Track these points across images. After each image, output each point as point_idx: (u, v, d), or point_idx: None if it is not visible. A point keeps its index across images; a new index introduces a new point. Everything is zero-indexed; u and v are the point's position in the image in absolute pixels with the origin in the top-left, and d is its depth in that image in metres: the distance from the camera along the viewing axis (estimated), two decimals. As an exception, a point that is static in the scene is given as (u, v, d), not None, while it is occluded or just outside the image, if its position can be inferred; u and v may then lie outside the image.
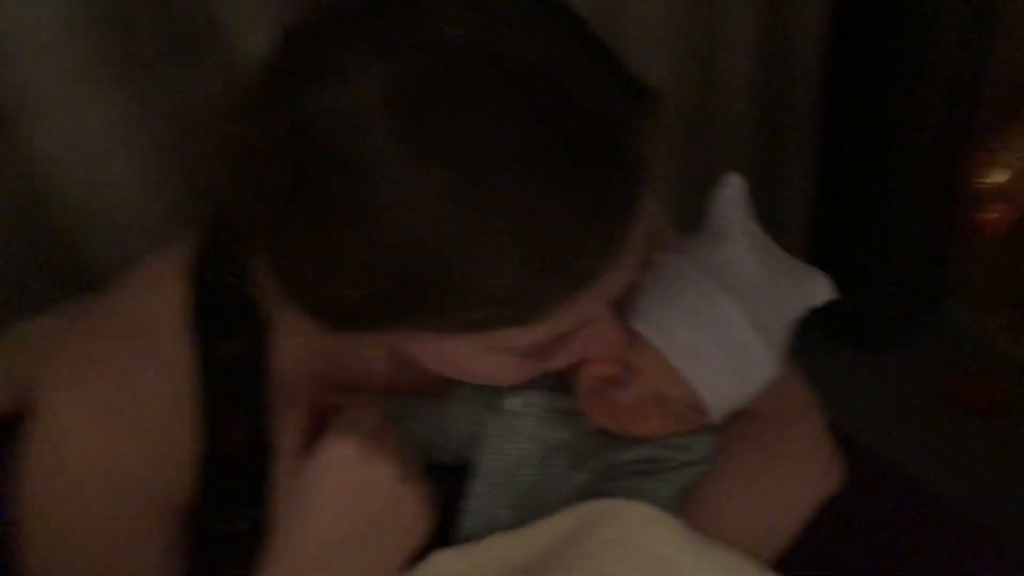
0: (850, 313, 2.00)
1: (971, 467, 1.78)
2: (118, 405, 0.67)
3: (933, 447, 1.83)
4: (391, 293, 0.51)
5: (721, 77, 1.65)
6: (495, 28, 0.47)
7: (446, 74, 0.46)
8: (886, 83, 1.72)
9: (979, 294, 1.94)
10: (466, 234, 0.47)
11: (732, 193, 0.69)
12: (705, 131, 1.68)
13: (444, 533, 0.70)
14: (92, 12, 0.94)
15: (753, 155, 1.80)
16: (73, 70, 0.95)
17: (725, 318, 0.65)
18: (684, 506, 0.69)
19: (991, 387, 1.84)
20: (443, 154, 0.46)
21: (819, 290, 0.70)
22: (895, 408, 1.94)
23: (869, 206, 1.88)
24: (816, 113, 1.81)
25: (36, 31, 0.91)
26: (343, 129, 0.47)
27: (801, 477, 0.74)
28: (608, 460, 0.69)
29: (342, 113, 0.47)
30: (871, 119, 1.79)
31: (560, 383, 0.74)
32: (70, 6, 0.93)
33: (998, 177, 1.45)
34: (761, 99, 1.72)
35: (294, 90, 0.48)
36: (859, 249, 1.95)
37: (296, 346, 0.68)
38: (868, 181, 1.86)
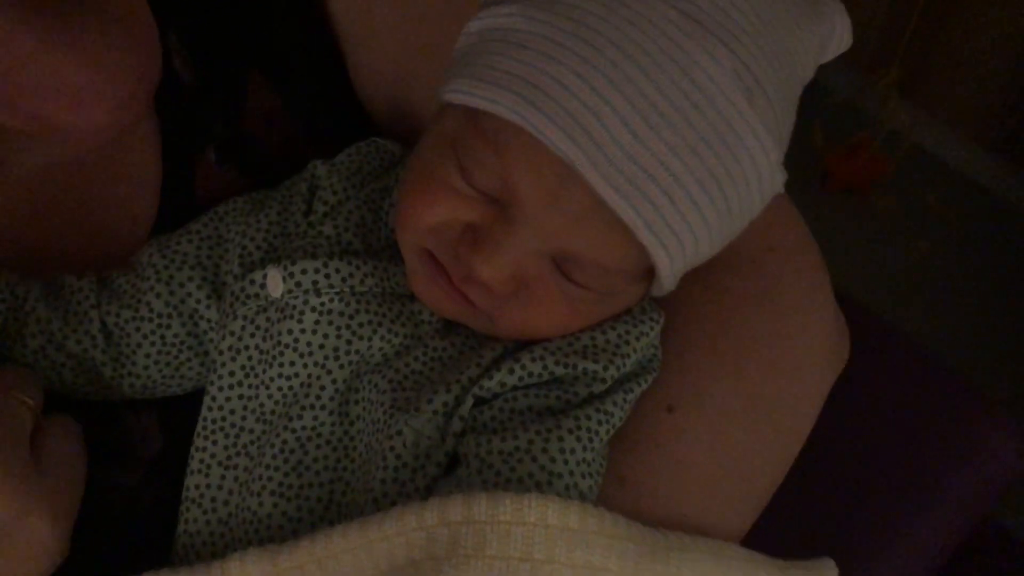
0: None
1: (844, 249, 1.61)
2: None
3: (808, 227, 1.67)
4: None
5: None
6: None
7: None
8: None
9: (860, 52, 1.69)
10: None
11: None
12: None
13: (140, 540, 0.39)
14: None
15: None
16: None
17: (695, 78, 0.34)
18: (631, 455, 0.38)
19: (872, 160, 1.63)
20: None
21: (839, 25, 0.40)
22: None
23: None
24: None
25: None
26: None
27: (813, 344, 0.45)
28: (474, 388, 0.36)
29: None
30: None
31: (368, 243, 0.40)
32: None
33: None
34: None
35: None
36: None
37: None
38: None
